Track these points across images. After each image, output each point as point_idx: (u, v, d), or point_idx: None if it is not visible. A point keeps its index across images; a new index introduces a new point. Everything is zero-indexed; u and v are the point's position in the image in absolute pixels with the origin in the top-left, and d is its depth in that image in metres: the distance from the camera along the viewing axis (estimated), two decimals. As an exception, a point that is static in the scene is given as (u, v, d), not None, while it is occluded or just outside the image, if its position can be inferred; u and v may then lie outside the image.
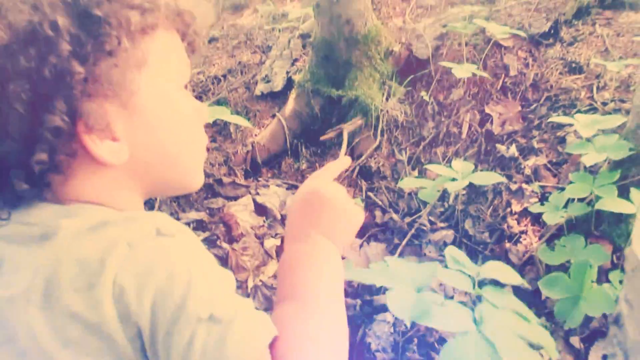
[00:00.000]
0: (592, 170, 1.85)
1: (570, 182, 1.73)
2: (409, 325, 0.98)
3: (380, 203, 2.17)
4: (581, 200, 1.73)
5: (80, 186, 0.64)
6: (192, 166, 0.72)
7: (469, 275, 1.25)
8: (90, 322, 0.56)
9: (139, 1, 0.63)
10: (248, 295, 1.91)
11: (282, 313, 0.66)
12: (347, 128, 2.37)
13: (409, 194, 2.18)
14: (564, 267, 1.61)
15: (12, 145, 0.60)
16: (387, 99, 2.41)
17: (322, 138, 2.42)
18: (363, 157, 2.33)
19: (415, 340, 1.67)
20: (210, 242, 2.07)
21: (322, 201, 0.74)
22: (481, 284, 1.22)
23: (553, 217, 1.70)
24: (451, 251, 1.30)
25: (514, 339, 1.00)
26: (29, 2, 0.59)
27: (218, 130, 2.54)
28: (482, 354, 0.94)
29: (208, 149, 0.74)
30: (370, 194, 2.22)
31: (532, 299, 1.73)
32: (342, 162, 0.85)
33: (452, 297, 1.72)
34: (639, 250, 0.53)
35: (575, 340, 1.55)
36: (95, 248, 0.58)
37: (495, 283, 1.33)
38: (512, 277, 1.23)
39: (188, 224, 2.12)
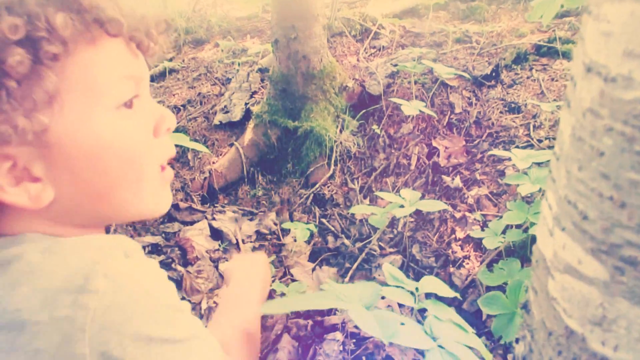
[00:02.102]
0: (528, 200, 2.00)
1: (508, 210, 1.86)
2: (387, 343, 1.05)
3: (332, 229, 2.25)
4: (518, 227, 1.86)
5: (22, 220, 0.61)
6: (138, 194, 0.67)
7: (410, 292, 1.33)
8: (54, 359, 0.53)
9: (37, 30, 0.54)
10: (202, 317, 1.94)
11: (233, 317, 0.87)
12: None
13: (360, 220, 2.27)
14: (502, 289, 1.72)
15: None
16: (340, 131, 2.53)
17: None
18: (317, 186, 2.42)
19: (364, 359, 1.73)
20: (165, 265, 2.10)
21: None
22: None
23: (492, 242, 1.82)
24: (388, 268, 1.38)
25: (463, 349, 1.08)
26: None
27: (176, 158, 2.59)
28: None
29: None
30: (323, 220, 2.30)
31: (473, 320, 1.83)
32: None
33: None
34: (541, 246, 0.63)
35: (511, 357, 1.66)
36: (59, 276, 0.55)
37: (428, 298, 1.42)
38: (446, 290, 1.33)
39: (144, 247, 2.14)
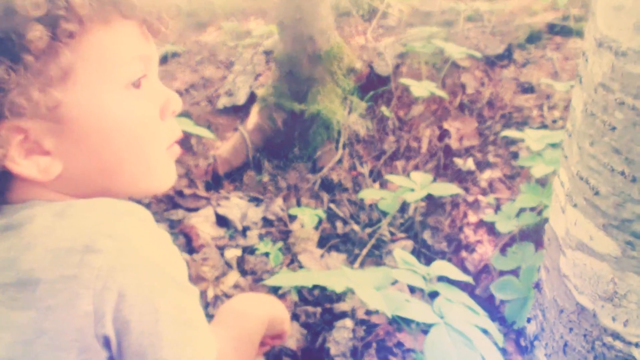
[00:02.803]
0: (542, 182, 2.01)
1: (522, 193, 1.87)
2: (390, 316, 1.06)
3: (341, 214, 2.28)
4: (532, 209, 1.87)
5: (32, 190, 0.64)
6: (145, 169, 0.70)
7: (421, 275, 1.35)
8: (63, 315, 0.57)
9: (57, 8, 0.58)
10: (208, 305, 1.97)
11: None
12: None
13: (370, 205, 2.29)
14: (516, 273, 1.74)
15: None
16: (348, 114, 2.54)
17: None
18: (325, 170, 2.44)
19: (374, 345, 1.76)
20: (170, 253, 2.13)
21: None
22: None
23: (505, 226, 1.83)
24: (400, 253, 1.40)
25: (472, 327, 1.10)
26: None
27: (179, 143, 2.61)
28: (457, 342, 1.03)
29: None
30: (331, 205, 2.32)
31: (486, 305, 1.85)
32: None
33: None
34: (553, 223, 0.64)
35: (524, 345, 1.68)
36: (68, 237, 0.59)
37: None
38: (457, 274, 1.35)
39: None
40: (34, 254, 0.58)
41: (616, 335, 0.55)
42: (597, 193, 0.54)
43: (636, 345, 0.54)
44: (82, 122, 0.63)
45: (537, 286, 0.67)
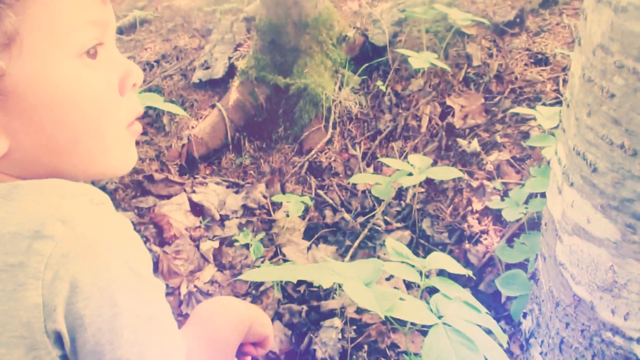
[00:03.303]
0: (555, 165, 2.01)
1: (531, 177, 1.87)
2: (382, 317, 1.06)
3: (330, 202, 2.27)
4: (543, 195, 1.87)
5: None
6: (101, 150, 0.70)
7: (415, 267, 1.35)
8: (6, 308, 0.57)
9: None
10: (181, 303, 1.97)
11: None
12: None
13: (363, 192, 2.29)
14: (523, 267, 1.74)
15: None
16: (339, 89, 2.53)
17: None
18: (313, 152, 2.43)
19: (366, 347, 1.77)
20: (138, 245, 2.12)
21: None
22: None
23: (513, 213, 1.83)
24: (392, 243, 1.40)
25: (473, 327, 1.10)
26: None
27: (150, 122, 2.60)
28: (456, 343, 1.03)
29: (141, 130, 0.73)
30: (320, 192, 2.32)
31: (491, 302, 1.86)
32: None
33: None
34: (550, 205, 0.64)
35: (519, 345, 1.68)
36: (14, 222, 0.58)
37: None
38: (456, 267, 1.35)
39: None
40: None
41: (616, 330, 0.55)
42: (595, 170, 0.54)
43: (638, 340, 0.53)
44: (29, 94, 0.61)
45: (533, 277, 0.67)
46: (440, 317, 1.14)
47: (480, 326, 1.15)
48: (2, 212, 0.59)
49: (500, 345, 1.22)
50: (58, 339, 0.59)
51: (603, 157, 0.52)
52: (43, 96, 0.62)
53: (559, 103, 2.27)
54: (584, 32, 0.56)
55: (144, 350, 0.62)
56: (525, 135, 2.23)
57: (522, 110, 2.02)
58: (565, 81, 2.35)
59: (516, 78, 2.41)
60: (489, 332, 1.16)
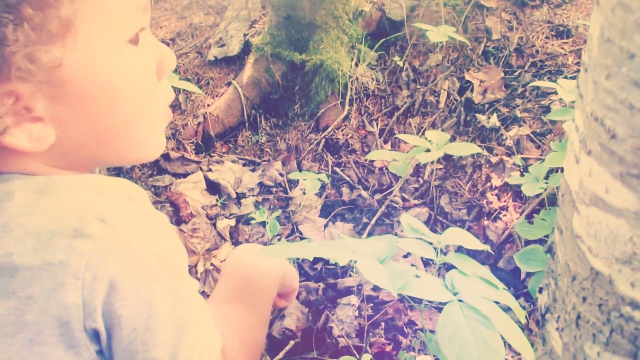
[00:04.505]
0: (577, 140, 1.97)
1: (552, 152, 1.83)
2: (395, 295, 1.04)
3: (347, 179, 2.25)
4: (563, 170, 1.83)
5: (10, 161, 0.63)
6: (143, 136, 0.70)
7: (431, 244, 1.33)
8: (46, 307, 0.57)
9: None
10: (198, 281, 1.97)
11: (233, 314, 0.83)
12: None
13: (380, 169, 2.26)
14: (543, 243, 1.71)
15: None
16: (356, 65, 2.50)
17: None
18: (330, 129, 2.41)
19: (383, 324, 1.75)
20: (155, 223, 2.13)
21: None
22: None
23: (532, 189, 1.80)
24: (407, 219, 1.37)
25: (490, 303, 1.08)
26: None
27: (165, 101, 2.59)
28: (471, 320, 1.01)
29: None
30: (337, 169, 2.30)
31: (510, 279, 1.83)
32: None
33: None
34: (567, 176, 0.61)
35: (535, 321, 1.66)
36: (52, 218, 0.58)
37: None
38: (473, 242, 1.32)
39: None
40: (13, 237, 0.57)
41: (635, 305, 0.52)
42: (613, 136, 0.51)
43: (658, 315, 0.51)
44: (81, 84, 0.61)
45: (550, 250, 0.64)
46: (455, 294, 1.13)
47: (497, 303, 1.13)
48: (39, 207, 0.58)
49: (519, 322, 1.20)
50: (95, 336, 0.59)
51: (622, 122, 0.49)
52: (95, 85, 0.62)
53: (581, 76, 2.22)
54: (602, -11, 0.52)
55: (177, 351, 0.63)
56: (546, 110, 2.18)
57: (543, 83, 1.97)
58: (587, 54, 2.29)
59: (537, 51, 2.36)
60: (507, 309, 1.14)
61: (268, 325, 0.92)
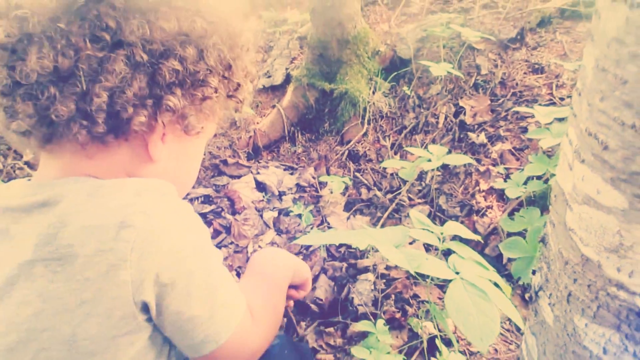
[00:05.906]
0: (549, 154, 1.92)
1: (530, 163, 1.79)
2: (413, 272, 1.02)
3: (365, 182, 2.23)
4: (539, 178, 1.79)
5: (72, 165, 0.63)
6: (190, 183, 0.79)
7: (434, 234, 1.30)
8: (101, 286, 0.56)
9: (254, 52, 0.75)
10: (248, 259, 1.96)
11: (256, 283, 0.84)
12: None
13: (391, 174, 2.24)
14: (522, 235, 1.67)
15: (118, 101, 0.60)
16: (373, 93, 2.47)
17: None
18: (352, 143, 2.39)
19: (393, 296, 1.73)
20: (215, 214, 2.12)
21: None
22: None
23: (514, 192, 1.76)
24: (416, 214, 1.35)
25: (485, 281, 1.06)
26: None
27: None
28: (472, 294, 0.99)
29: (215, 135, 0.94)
30: (357, 174, 2.28)
31: (494, 263, 1.79)
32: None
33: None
34: (560, 180, 0.58)
35: (529, 295, 1.61)
36: (100, 214, 0.57)
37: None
38: (468, 234, 1.29)
39: (197, 198, 2.17)
40: (71, 231, 0.57)
41: (620, 286, 0.49)
42: (606, 147, 0.48)
43: (640, 295, 0.48)
44: (189, 146, 0.72)
45: (543, 240, 0.62)
46: (457, 273, 1.10)
47: (490, 280, 1.10)
48: (88, 207, 0.58)
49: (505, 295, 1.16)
50: (144, 307, 0.59)
51: (614, 136, 0.46)
52: (194, 151, 0.74)
53: (553, 104, 2.16)
54: (597, 29, 0.50)
55: (213, 308, 0.63)
56: (524, 130, 2.13)
57: (522, 109, 1.93)
58: (557, 86, 2.23)
59: (517, 84, 2.31)
60: (496, 285, 1.11)
61: (285, 299, 0.90)
